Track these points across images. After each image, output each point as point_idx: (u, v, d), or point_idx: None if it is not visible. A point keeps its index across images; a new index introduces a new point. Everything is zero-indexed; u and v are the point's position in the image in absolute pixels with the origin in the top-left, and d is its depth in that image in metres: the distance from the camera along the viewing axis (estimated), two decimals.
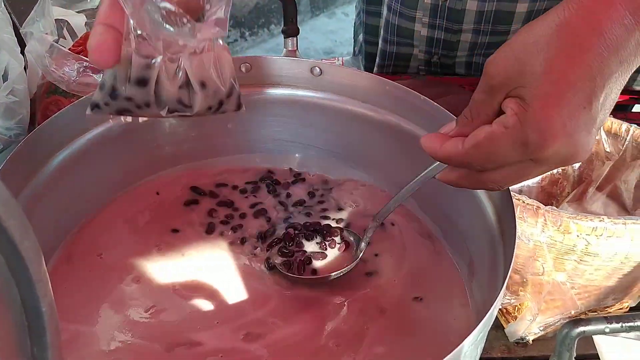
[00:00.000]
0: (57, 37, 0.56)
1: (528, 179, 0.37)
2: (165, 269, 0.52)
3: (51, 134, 0.50)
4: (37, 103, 0.60)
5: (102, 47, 0.35)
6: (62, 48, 0.53)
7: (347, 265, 0.51)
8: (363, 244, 0.52)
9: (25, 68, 0.58)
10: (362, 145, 0.59)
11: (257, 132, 0.61)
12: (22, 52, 0.57)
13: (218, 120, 0.60)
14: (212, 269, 0.52)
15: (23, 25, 0.54)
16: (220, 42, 0.38)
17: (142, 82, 0.36)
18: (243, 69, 0.58)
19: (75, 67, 0.51)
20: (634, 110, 0.82)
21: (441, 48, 0.77)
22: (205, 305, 0.49)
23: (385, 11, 0.78)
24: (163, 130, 0.58)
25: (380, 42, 0.81)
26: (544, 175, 0.64)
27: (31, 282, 0.27)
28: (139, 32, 0.34)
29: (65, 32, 0.62)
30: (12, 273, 0.26)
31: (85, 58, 0.51)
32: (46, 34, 0.53)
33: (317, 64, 0.58)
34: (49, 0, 0.55)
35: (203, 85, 0.38)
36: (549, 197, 0.65)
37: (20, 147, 0.46)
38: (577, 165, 0.63)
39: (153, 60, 0.35)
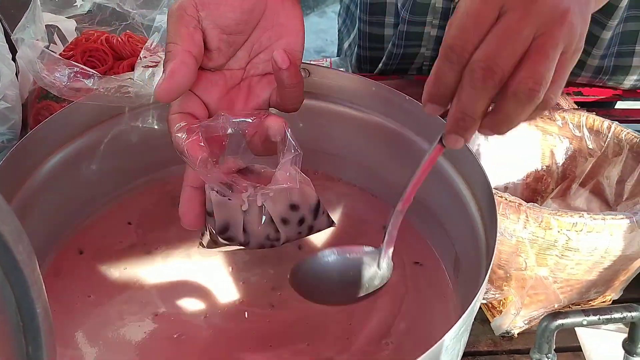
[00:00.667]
0: (47, 43, 0.57)
1: (519, 46, 0.32)
2: (155, 272, 0.53)
3: (43, 138, 0.51)
4: (29, 108, 0.61)
5: (191, 213, 0.43)
6: (53, 54, 0.54)
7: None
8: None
9: (16, 74, 0.59)
10: (349, 145, 0.60)
11: None
12: (14, 59, 0.58)
13: None
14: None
15: (14, 32, 0.54)
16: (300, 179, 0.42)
17: (225, 228, 0.42)
18: None
19: (66, 73, 0.52)
20: (616, 107, 0.83)
21: None
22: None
23: (392, 19, 0.78)
24: (155, 135, 0.59)
25: (389, 45, 0.81)
26: (529, 172, 0.66)
27: (25, 284, 0.28)
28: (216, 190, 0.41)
29: (55, 37, 0.63)
30: (7, 276, 0.27)
31: (76, 64, 0.52)
32: (37, 40, 0.54)
33: (305, 66, 0.59)
34: (39, 7, 0.56)
35: (285, 221, 0.42)
36: (533, 193, 0.66)
37: (13, 152, 0.47)
38: (560, 162, 0.64)
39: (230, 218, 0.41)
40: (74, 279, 0.52)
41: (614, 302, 0.58)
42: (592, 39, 0.73)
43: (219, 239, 0.42)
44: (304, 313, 0.49)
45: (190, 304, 0.50)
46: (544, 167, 0.65)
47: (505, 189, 0.65)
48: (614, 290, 0.55)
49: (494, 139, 0.63)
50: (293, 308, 0.49)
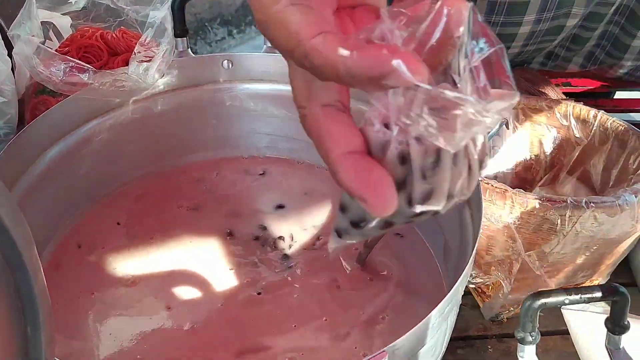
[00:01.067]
0: (43, 39, 0.58)
1: None
2: (157, 266, 0.54)
3: (39, 132, 0.52)
4: (26, 103, 0.62)
5: (384, 189, 0.24)
6: (49, 49, 0.55)
7: None
8: None
9: (13, 69, 0.60)
10: None
11: (241, 127, 0.63)
12: (10, 55, 0.59)
13: (203, 117, 0.62)
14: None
15: (10, 29, 0.55)
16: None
17: (428, 196, 0.26)
18: (225, 66, 0.60)
19: (62, 68, 0.53)
20: (616, 97, 0.83)
21: None
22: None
23: None
24: (151, 128, 0.60)
25: None
26: (518, 161, 0.67)
27: (24, 267, 0.29)
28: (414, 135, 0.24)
29: (51, 34, 0.64)
30: (6, 259, 0.28)
31: (71, 58, 0.53)
32: (32, 36, 0.55)
33: None
34: (34, 4, 0.57)
35: (482, 163, 0.28)
36: (523, 182, 0.67)
37: (10, 146, 0.48)
38: (548, 151, 0.65)
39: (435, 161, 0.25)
40: (75, 273, 0.52)
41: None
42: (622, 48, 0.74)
43: (403, 214, 0.26)
44: (317, 291, 0.50)
45: (203, 294, 0.51)
46: (533, 156, 0.66)
47: (495, 178, 0.66)
48: (601, 274, 0.57)
49: None
50: (303, 288, 0.51)
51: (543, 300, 0.37)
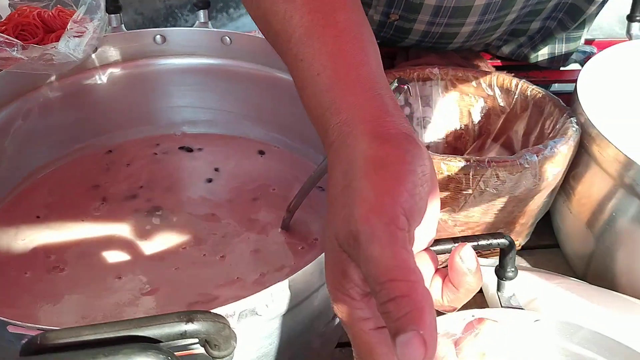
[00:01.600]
0: None
1: None
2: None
3: None
4: None
5: None
6: None
7: None
8: None
9: None
10: (273, 107, 0.64)
11: (174, 101, 0.65)
12: None
13: (136, 92, 0.64)
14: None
15: None
16: None
17: None
18: (158, 40, 0.62)
19: None
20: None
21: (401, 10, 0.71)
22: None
23: None
24: (82, 105, 0.61)
25: None
26: (449, 131, 0.69)
27: None
28: None
29: None
30: None
31: (1, 34, 0.55)
32: None
33: (227, 34, 0.62)
34: None
35: None
36: (455, 151, 0.70)
37: None
38: (476, 120, 0.68)
39: None
40: (7, 252, 0.53)
41: (523, 247, 0.62)
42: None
43: None
44: (252, 253, 0.53)
45: (152, 260, 0.52)
46: (463, 125, 0.69)
47: (428, 147, 0.69)
48: (519, 235, 0.59)
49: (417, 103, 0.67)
50: (239, 251, 0.53)
51: (433, 248, 0.39)
